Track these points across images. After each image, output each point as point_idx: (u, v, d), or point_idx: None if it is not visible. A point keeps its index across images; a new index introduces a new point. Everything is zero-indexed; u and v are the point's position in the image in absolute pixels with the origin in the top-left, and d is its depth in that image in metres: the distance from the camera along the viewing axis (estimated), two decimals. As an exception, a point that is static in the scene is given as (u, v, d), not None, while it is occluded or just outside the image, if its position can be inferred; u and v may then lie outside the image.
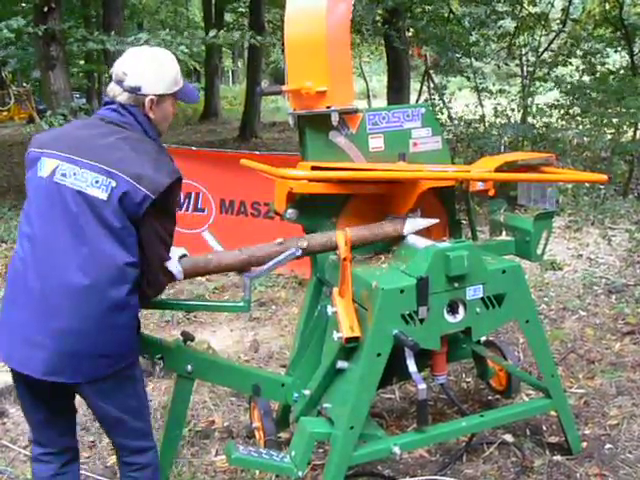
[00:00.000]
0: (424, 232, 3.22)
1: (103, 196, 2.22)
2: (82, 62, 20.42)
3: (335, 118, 3.01)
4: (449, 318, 2.85)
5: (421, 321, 2.77)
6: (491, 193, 3.32)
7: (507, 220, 3.42)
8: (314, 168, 3.01)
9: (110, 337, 2.28)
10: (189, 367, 2.94)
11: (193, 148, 7.46)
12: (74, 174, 2.25)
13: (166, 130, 2.55)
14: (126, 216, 2.24)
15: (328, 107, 3.00)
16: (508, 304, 2.96)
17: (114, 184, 2.22)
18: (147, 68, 2.41)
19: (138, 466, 2.54)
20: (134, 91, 2.38)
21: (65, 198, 2.24)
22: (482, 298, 2.89)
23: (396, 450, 2.86)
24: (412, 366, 2.78)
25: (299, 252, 2.94)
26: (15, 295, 2.31)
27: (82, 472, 3.23)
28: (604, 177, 3.33)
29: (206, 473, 3.34)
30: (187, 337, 2.99)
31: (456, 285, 2.81)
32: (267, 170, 3.11)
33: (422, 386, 2.80)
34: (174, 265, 2.56)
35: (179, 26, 26.05)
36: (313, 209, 3.09)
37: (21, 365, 2.29)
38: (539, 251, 3.32)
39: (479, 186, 3.24)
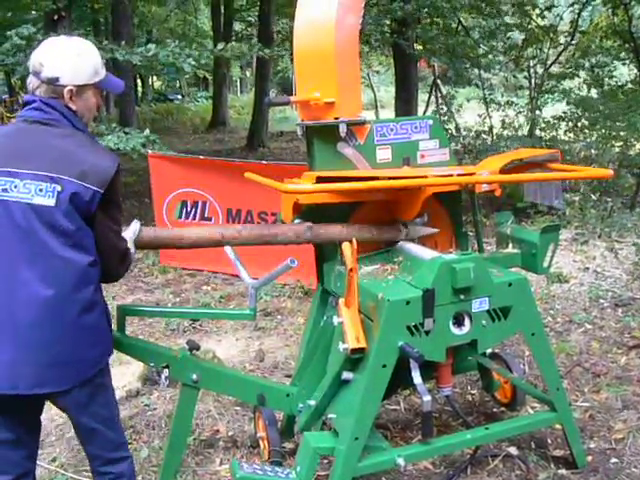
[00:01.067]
0: (430, 243, 3.23)
1: (50, 202, 2.15)
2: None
3: (343, 129, 3.02)
4: (455, 330, 2.85)
5: (427, 333, 2.77)
6: (497, 193, 3.32)
7: (514, 233, 3.42)
8: (319, 178, 3.01)
9: (84, 339, 2.26)
10: (194, 376, 2.95)
11: (200, 157, 7.48)
12: (15, 187, 2.16)
13: (90, 121, 2.45)
14: (79, 216, 2.18)
15: (336, 118, 3.02)
16: (514, 317, 2.95)
17: (59, 188, 2.16)
18: (65, 58, 2.30)
19: (112, 476, 2.51)
20: (52, 82, 2.28)
21: (11, 213, 2.16)
22: (488, 310, 2.89)
23: (400, 462, 2.85)
24: (417, 378, 2.77)
25: (295, 263, 2.95)
26: None
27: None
28: (609, 172, 3.31)
29: (210, 482, 3.34)
30: (193, 346, 3.00)
31: (462, 297, 2.81)
32: (271, 184, 3.11)
33: (427, 398, 2.79)
34: (131, 249, 2.53)
35: (188, 35, 26.17)
36: (320, 218, 3.09)
37: (9, 386, 2.19)
38: (545, 264, 3.32)
39: (484, 187, 3.25)
